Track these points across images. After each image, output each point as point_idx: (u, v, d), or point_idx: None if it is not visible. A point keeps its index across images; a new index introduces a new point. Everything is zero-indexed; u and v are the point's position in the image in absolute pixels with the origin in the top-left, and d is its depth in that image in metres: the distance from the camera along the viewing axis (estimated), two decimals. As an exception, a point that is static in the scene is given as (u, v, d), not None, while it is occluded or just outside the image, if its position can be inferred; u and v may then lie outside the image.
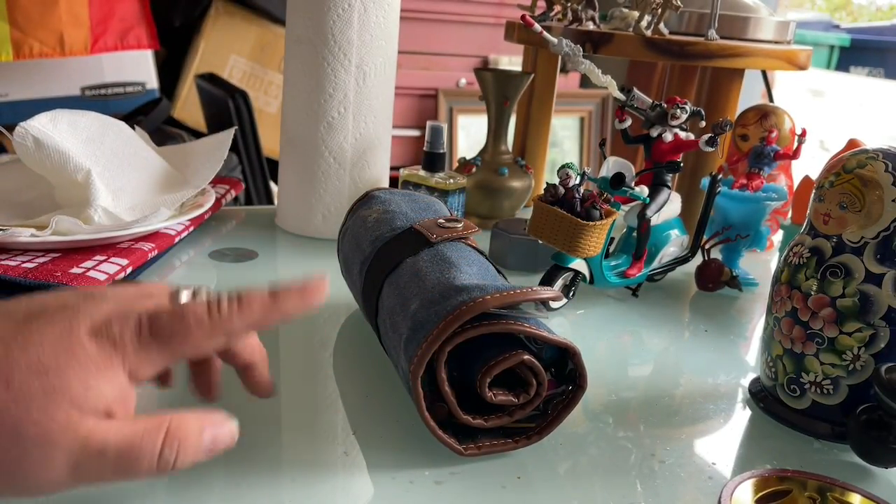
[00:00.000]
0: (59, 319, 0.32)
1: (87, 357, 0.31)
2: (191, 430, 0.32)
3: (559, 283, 0.66)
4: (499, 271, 0.52)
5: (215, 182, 0.85)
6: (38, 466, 0.29)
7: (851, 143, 0.77)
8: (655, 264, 0.72)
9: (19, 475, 0.29)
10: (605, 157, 0.69)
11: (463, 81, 2.07)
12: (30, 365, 0.29)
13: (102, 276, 0.59)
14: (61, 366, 0.30)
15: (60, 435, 0.29)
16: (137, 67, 1.65)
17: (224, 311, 0.33)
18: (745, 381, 0.58)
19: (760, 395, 0.54)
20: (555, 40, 0.72)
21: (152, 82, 1.68)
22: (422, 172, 0.80)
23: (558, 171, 0.65)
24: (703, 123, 0.70)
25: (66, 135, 0.69)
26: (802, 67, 0.84)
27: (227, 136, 0.80)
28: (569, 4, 0.85)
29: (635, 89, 0.70)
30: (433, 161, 0.80)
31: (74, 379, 0.30)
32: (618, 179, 0.65)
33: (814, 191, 0.51)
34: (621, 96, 0.70)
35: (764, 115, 0.84)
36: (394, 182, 0.84)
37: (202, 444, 0.32)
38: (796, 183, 0.85)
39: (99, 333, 0.31)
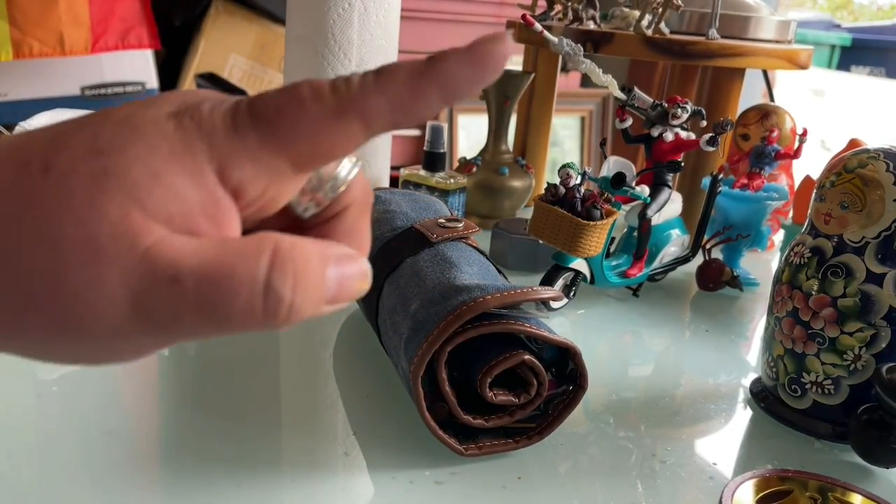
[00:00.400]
0: (139, 102, 0.22)
1: (159, 135, 0.21)
2: (310, 259, 0.22)
3: (560, 282, 0.66)
4: (499, 271, 0.52)
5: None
6: (85, 292, 0.20)
7: (852, 143, 0.77)
8: (656, 264, 0.72)
9: (67, 308, 0.20)
10: (605, 157, 0.69)
11: (463, 81, 2.07)
12: (81, 145, 0.21)
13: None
14: (121, 145, 0.21)
15: (112, 241, 0.20)
16: (137, 67, 1.65)
17: (355, 83, 0.22)
18: (746, 381, 0.58)
19: (761, 395, 0.54)
20: (555, 40, 0.72)
21: (152, 82, 1.68)
22: (422, 172, 0.80)
23: (559, 171, 0.65)
24: (704, 123, 0.70)
25: (66, 134, 0.69)
26: (803, 67, 0.83)
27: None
28: (569, 4, 0.85)
29: (636, 89, 0.70)
30: (433, 161, 0.80)
31: (137, 162, 0.21)
32: (618, 179, 0.65)
33: (815, 190, 0.51)
34: (622, 96, 0.70)
35: (765, 114, 0.84)
36: (394, 182, 0.84)
37: (326, 282, 0.22)
38: (797, 182, 0.85)
39: (183, 113, 0.22)
